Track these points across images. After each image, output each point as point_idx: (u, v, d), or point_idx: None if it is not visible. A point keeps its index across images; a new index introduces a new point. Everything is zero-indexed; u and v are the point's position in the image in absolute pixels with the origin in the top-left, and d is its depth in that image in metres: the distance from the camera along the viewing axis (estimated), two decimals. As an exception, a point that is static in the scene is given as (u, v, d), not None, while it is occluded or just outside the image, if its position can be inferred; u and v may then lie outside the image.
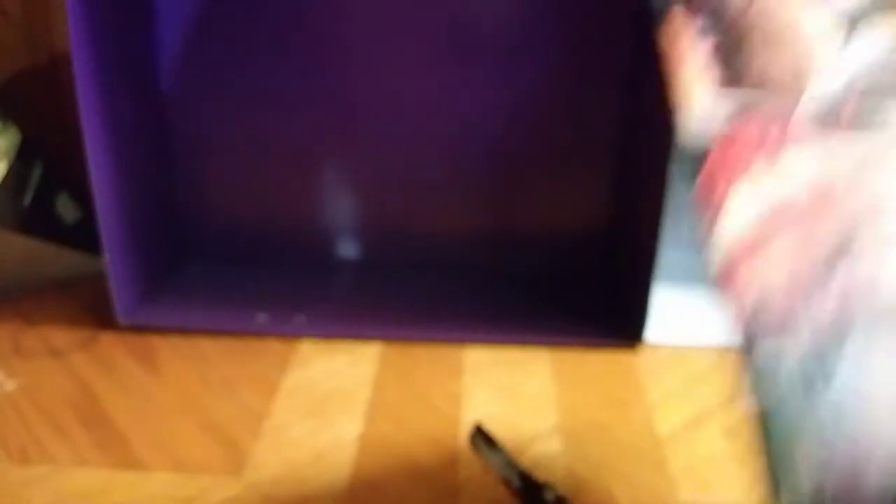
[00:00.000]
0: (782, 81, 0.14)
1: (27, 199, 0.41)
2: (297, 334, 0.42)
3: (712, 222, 0.14)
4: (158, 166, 0.44)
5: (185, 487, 0.33)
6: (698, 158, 0.15)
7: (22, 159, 0.41)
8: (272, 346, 0.42)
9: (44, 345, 0.41)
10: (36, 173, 0.42)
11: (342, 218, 0.47)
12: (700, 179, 0.15)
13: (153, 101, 0.43)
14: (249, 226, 0.47)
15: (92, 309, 0.43)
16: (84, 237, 0.41)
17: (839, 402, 0.11)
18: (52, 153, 0.43)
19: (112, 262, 0.39)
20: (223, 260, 0.48)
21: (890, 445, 0.10)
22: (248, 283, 0.46)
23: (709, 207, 0.14)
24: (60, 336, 0.42)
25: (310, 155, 0.45)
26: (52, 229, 0.42)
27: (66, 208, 0.43)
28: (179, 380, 0.39)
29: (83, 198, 0.40)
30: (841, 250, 0.13)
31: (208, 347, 0.41)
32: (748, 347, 0.13)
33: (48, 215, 0.42)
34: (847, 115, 0.14)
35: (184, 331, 0.42)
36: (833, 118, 0.14)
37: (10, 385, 0.39)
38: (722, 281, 0.13)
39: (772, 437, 0.12)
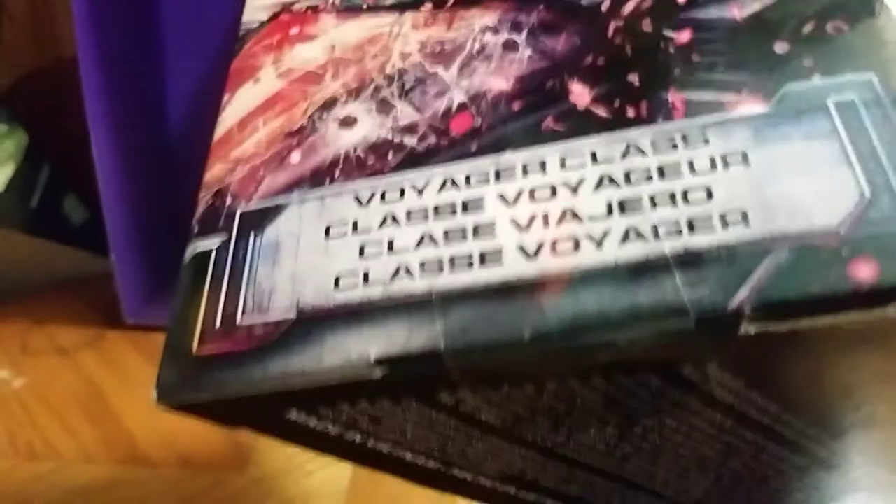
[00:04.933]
0: None
1: (35, 201, 0.41)
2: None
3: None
4: (165, 168, 0.44)
5: (190, 483, 0.33)
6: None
7: (29, 161, 0.41)
8: (278, 343, 0.42)
9: (51, 343, 0.42)
10: (43, 175, 0.42)
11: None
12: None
13: (159, 103, 0.43)
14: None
15: (99, 308, 0.43)
16: (91, 238, 0.42)
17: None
18: (59, 155, 0.43)
19: (119, 262, 0.39)
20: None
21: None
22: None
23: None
24: (67, 335, 0.42)
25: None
26: (60, 230, 0.42)
27: (73, 209, 0.43)
28: (184, 377, 0.39)
29: (90, 199, 0.40)
30: (306, 132, 0.12)
31: (215, 344, 0.42)
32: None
33: (55, 216, 0.42)
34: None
35: (190, 329, 0.42)
36: (356, 3, 0.13)
37: (18, 382, 0.39)
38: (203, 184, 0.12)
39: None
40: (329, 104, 0.12)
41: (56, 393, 0.38)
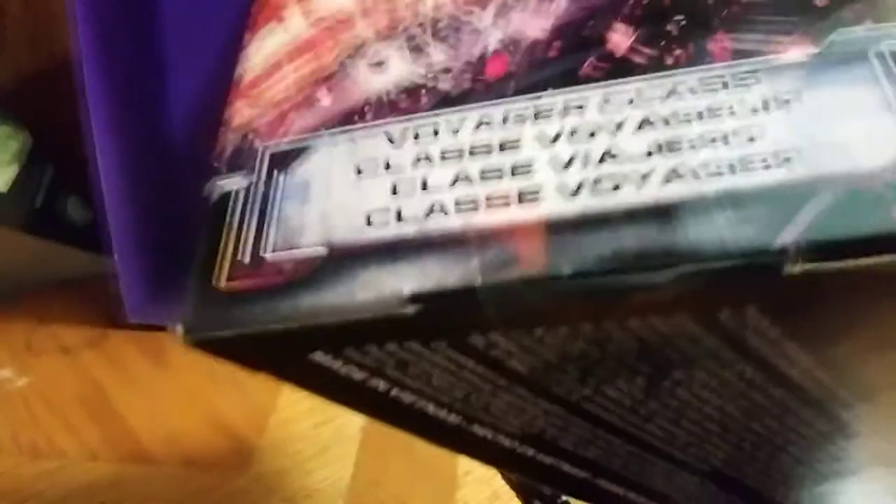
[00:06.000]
0: None
1: (38, 201, 0.41)
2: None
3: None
4: (166, 164, 0.44)
5: (193, 481, 0.33)
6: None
7: (33, 162, 0.41)
8: (280, 343, 0.42)
9: (54, 342, 0.41)
10: (47, 175, 0.42)
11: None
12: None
13: (160, 100, 0.43)
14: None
15: (102, 308, 0.43)
16: (94, 238, 0.42)
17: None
18: (62, 156, 0.43)
19: (120, 260, 0.39)
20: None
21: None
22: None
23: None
24: (71, 334, 0.42)
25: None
26: (63, 230, 0.42)
27: (76, 210, 0.43)
28: (188, 377, 0.39)
29: (93, 200, 0.40)
30: (336, 76, 0.12)
31: (217, 345, 0.42)
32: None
33: (59, 217, 0.42)
34: None
35: (193, 329, 0.42)
36: None
37: (22, 381, 0.39)
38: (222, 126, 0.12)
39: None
40: (360, 49, 0.12)
41: (59, 392, 0.38)
